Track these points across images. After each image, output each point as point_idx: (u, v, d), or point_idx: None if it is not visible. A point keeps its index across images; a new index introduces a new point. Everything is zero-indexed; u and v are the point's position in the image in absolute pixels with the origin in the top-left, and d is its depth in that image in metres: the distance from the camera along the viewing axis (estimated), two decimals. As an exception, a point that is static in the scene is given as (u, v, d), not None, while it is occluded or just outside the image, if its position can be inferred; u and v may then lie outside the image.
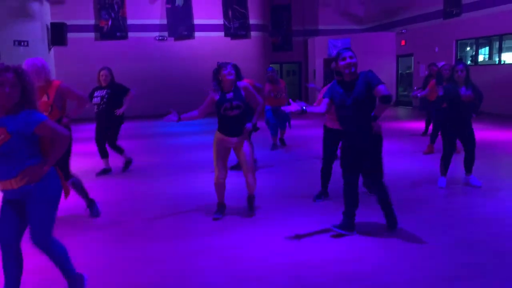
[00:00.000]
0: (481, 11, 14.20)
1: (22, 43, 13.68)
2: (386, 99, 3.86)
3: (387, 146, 8.73)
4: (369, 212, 4.68)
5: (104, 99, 6.71)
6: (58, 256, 2.94)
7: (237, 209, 5.02)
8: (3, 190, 2.83)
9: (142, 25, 16.97)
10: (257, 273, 3.46)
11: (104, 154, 7.00)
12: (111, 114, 6.75)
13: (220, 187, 4.75)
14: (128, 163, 7.24)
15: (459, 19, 15.13)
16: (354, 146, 4.13)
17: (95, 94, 6.75)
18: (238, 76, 5.06)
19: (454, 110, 5.53)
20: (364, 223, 4.41)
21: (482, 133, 9.90)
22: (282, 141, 9.26)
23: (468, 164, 5.74)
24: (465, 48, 15.90)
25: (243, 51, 17.66)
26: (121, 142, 7.19)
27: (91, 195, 5.00)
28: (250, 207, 4.90)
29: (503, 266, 3.46)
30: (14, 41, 13.49)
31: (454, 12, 15.32)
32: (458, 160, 6.28)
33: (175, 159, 8.40)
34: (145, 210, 5.17)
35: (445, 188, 5.68)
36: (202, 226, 4.57)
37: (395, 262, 3.58)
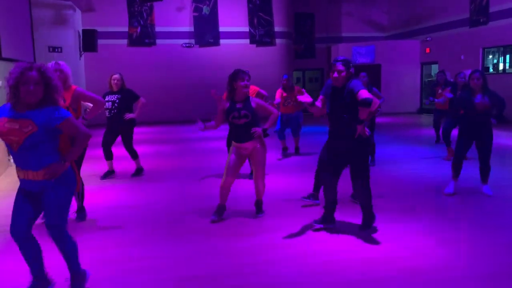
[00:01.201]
0: (509, 20, 14.21)
1: (56, 49, 14.09)
2: (363, 102, 4.03)
3: (412, 152, 8.96)
4: (417, 217, 4.80)
5: (116, 104, 6.89)
6: (70, 248, 3.08)
7: (292, 208, 5.18)
8: (22, 180, 3.00)
9: (170, 32, 17.32)
10: (327, 267, 3.61)
11: (108, 156, 7.10)
12: (122, 118, 6.93)
13: (225, 190, 4.81)
14: (139, 170, 7.35)
15: (486, 27, 15.15)
16: (338, 149, 4.30)
17: (106, 98, 6.91)
18: None
19: (468, 117, 5.55)
20: (419, 226, 4.56)
21: (508, 140, 10.11)
22: (296, 149, 9.13)
23: (483, 173, 5.69)
24: (488, 56, 15.88)
25: (268, 58, 17.89)
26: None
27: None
28: (258, 210, 5.04)
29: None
30: (49, 47, 13.89)
31: (481, 21, 15.32)
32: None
33: (207, 162, 8.57)
34: (181, 211, 5.33)
35: (452, 194, 5.64)
36: (257, 224, 4.74)
37: (452, 259, 3.72)
